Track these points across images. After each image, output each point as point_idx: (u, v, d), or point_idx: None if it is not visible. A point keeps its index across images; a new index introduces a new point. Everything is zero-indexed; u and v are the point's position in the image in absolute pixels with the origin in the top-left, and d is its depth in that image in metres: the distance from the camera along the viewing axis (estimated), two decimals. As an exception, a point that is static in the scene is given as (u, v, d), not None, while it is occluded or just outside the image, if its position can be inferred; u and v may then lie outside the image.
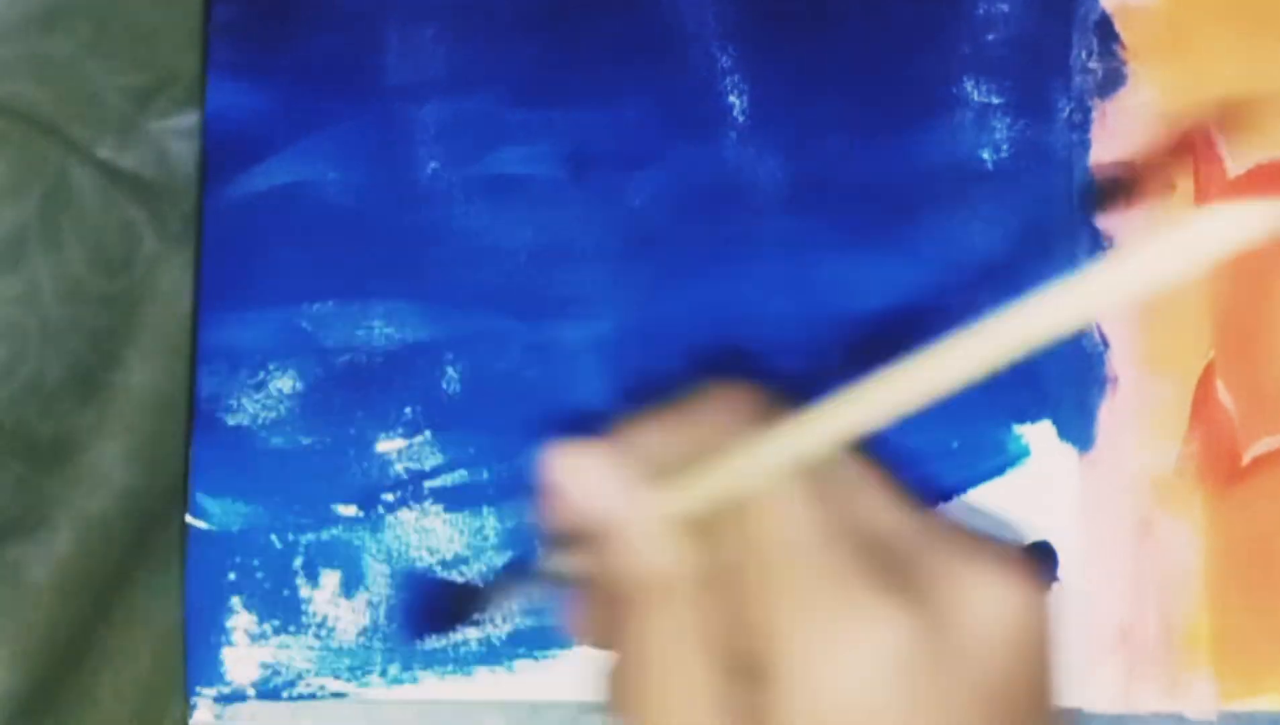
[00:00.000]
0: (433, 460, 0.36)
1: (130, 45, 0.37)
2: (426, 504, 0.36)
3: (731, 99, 0.37)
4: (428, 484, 0.36)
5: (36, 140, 0.36)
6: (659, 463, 0.29)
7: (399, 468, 0.36)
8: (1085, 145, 0.37)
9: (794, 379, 0.36)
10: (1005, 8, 0.37)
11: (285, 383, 0.36)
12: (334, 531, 0.36)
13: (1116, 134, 0.37)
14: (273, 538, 0.36)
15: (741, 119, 0.37)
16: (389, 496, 0.36)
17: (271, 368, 0.36)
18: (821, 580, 0.27)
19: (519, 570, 0.36)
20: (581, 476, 0.29)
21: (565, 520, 0.30)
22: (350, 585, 0.36)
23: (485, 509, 0.36)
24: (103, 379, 0.37)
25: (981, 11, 0.37)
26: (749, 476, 0.28)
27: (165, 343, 0.37)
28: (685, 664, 0.28)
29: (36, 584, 0.36)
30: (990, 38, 0.37)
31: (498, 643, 0.36)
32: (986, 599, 0.27)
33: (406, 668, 0.36)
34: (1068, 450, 0.37)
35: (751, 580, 0.28)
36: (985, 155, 0.37)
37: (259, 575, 0.36)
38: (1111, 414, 0.37)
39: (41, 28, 0.36)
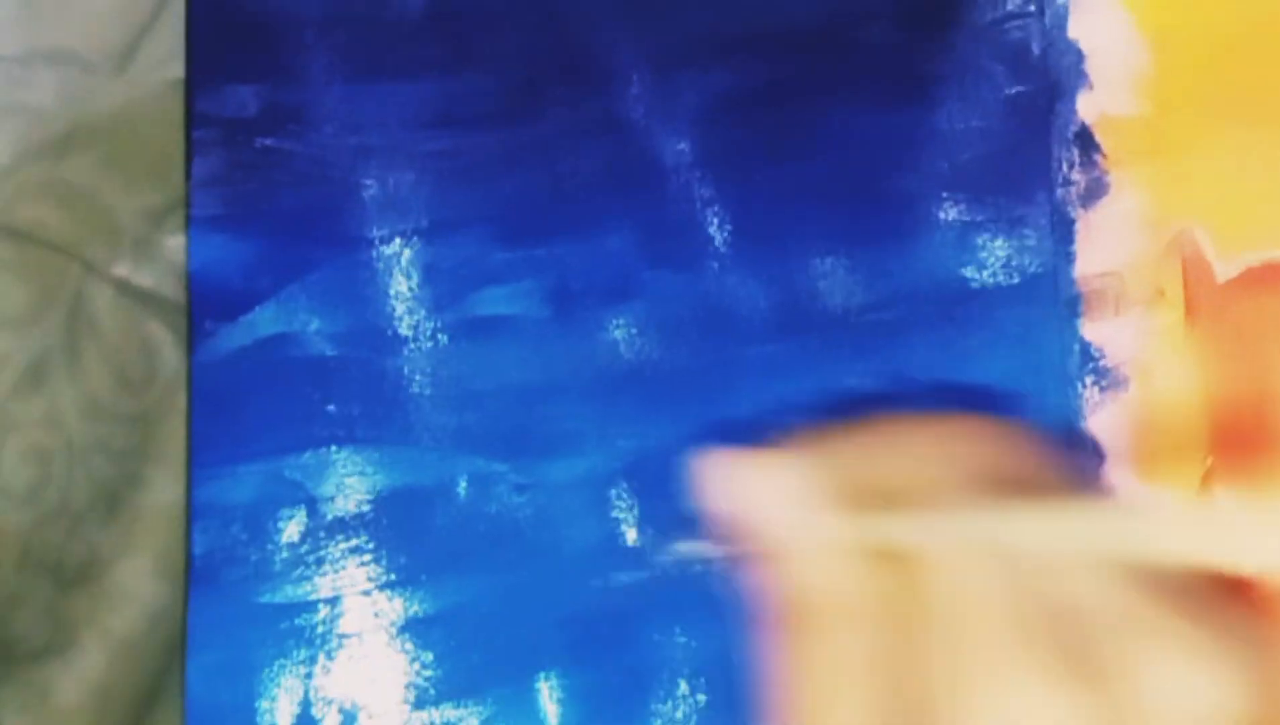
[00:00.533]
0: (427, 606, 0.36)
1: (143, 165, 0.37)
2: (419, 647, 0.36)
3: (712, 228, 0.37)
4: (421, 629, 0.36)
5: (55, 263, 0.36)
6: (860, 481, 0.28)
7: (393, 615, 0.36)
8: (1070, 257, 0.37)
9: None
10: (981, 123, 0.37)
11: (277, 536, 0.36)
12: (330, 677, 0.36)
13: (1102, 244, 0.37)
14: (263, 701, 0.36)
15: (723, 247, 0.37)
16: (386, 638, 0.36)
17: (263, 521, 0.36)
18: (1004, 649, 0.26)
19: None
20: (761, 488, 0.28)
21: (738, 529, 0.29)
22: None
23: (481, 651, 0.36)
24: (128, 498, 0.37)
25: (959, 128, 0.37)
26: (969, 535, 0.26)
27: (188, 458, 0.37)
28: (845, 695, 0.27)
29: (67, 706, 0.36)
30: (967, 155, 0.37)
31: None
32: (1175, 690, 0.25)
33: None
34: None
35: (932, 627, 0.26)
36: (969, 273, 0.37)
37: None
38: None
39: (58, 152, 0.37)
